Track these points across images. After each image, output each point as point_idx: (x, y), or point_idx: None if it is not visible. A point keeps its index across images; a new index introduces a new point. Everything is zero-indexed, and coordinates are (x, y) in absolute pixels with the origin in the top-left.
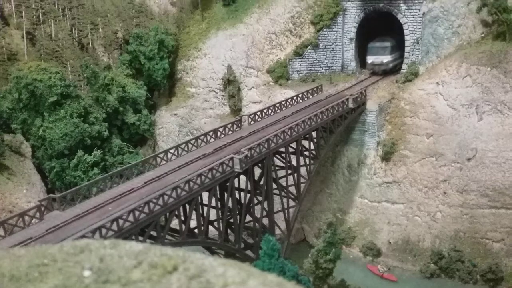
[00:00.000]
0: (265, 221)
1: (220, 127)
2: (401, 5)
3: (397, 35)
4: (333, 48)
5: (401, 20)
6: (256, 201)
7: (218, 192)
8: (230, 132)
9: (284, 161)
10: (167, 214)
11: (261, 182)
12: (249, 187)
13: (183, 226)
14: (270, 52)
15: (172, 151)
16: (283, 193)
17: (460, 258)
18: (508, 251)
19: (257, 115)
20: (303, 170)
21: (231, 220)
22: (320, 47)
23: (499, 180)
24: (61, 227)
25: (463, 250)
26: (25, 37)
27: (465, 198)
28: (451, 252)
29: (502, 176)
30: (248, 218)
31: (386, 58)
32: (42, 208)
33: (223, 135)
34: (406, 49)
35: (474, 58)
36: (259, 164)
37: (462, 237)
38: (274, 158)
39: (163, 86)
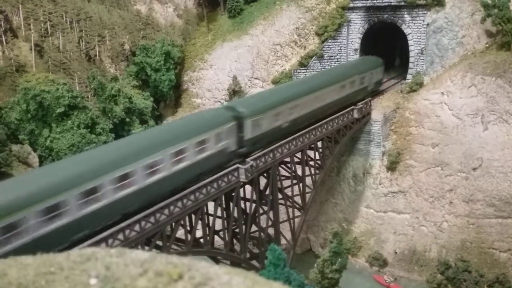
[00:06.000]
0: (271, 231)
1: None
2: (405, 16)
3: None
4: (337, 58)
5: (405, 31)
6: (261, 211)
7: (223, 201)
8: None
9: (290, 171)
10: (173, 223)
11: (267, 192)
12: (254, 197)
13: (189, 236)
14: (275, 63)
15: None
16: (288, 203)
17: (467, 268)
18: None
19: None
20: (308, 180)
21: (237, 230)
22: (325, 58)
23: (506, 190)
24: None
25: (470, 260)
26: (33, 49)
27: (471, 207)
28: (457, 262)
29: (508, 186)
30: (254, 228)
31: None
32: None
33: None
34: (411, 59)
35: (478, 68)
36: (265, 174)
37: (468, 247)
38: (280, 168)
39: (169, 97)
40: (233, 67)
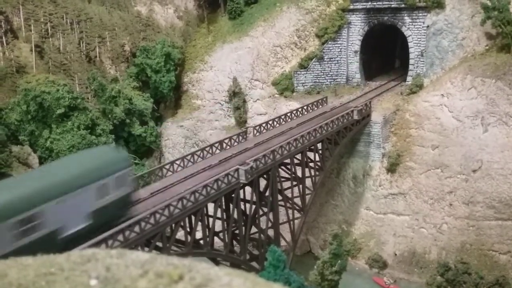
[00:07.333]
0: (271, 232)
1: (226, 138)
2: (405, 18)
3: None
4: (337, 60)
5: (405, 33)
6: (261, 212)
7: (223, 203)
8: (235, 144)
9: (290, 172)
10: (173, 225)
11: (267, 193)
12: (254, 198)
13: (189, 237)
14: (275, 65)
15: (178, 162)
16: (288, 205)
17: (467, 270)
18: None
19: (262, 126)
20: (308, 182)
21: (237, 231)
22: (325, 59)
23: (505, 192)
24: None
25: (469, 262)
26: (33, 50)
27: (471, 209)
28: (457, 264)
29: (508, 188)
30: (254, 229)
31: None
32: None
33: (228, 147)
34: (411, 61)
35: (478, 70)
36: (265, 176)
37: (468, 249)
38: (280, 169)
39: (169, 98)
40: (233, 69)
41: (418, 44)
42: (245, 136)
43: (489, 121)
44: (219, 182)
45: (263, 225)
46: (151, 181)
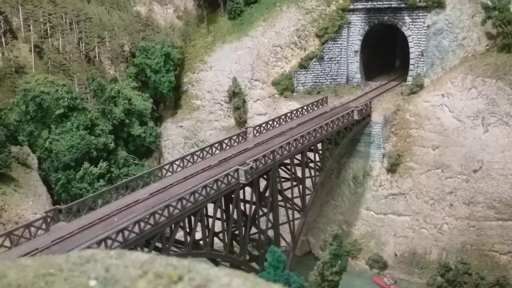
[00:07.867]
0: (270, 233)
1: (225, 139)
2: (406, 18)
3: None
4: (338, 60)
5: (405, 33)
6: (261, 213)
7: (223, 203)
8: (235, 144)
9: (289, 172)
10: (172, 225)
11: (266, 194)
12: (254, 199)
13: (188, 238)
14: (275, 65)
15: (177, 162)
16: (288, 205)
17: (468, 271)
18: None
19: (262, 127)
20: (308, 182)
21: (236, 232)
22: (325, 59)
23: (506, 192)
24: (66, 238)
25: (470, 262)
26: (33, 50)
27: (471, 210)
28: (458, 264)
29: (509, 188)
30: (253, 230)
31: None
32: (48, 219)
33: (228, 147)
34: (411, 61)
35: (479, 70)
36: (264, 176)
37: (469, 250)
38: (279, 169)
39: (169, 99)
40: (233, 69)
41: (419, 44)
42: (245, 137)
43: (490, 121)
44: (219, 183)
45: (263, 225)
46: (150, 181)
